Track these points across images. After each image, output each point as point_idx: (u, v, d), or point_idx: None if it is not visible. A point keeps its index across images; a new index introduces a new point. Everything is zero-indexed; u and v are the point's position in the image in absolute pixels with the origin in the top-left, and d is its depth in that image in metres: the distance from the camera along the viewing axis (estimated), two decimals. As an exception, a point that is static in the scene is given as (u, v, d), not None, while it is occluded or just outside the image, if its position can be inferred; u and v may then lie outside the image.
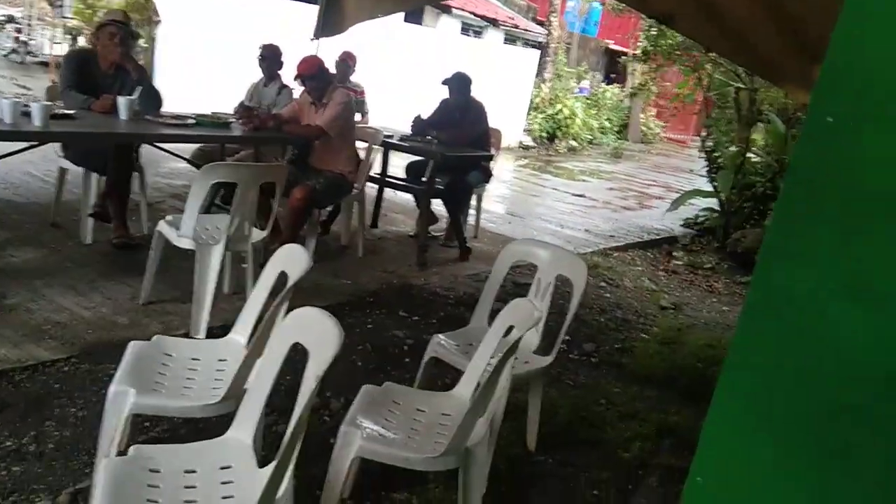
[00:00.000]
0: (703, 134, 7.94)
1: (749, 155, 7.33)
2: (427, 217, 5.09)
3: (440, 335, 2.68)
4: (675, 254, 6.76)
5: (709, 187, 7.51)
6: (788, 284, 0.90)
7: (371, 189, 5.35)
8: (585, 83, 17.04)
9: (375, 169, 5.26)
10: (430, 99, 5.64)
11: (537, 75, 14.18)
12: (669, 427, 3.08)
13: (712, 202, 7.61)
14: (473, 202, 5.67)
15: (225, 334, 2.33)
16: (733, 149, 7.51)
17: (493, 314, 2.42)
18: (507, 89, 12.39)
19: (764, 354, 0.93)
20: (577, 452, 2.82)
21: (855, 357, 0.87)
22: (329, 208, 5.11)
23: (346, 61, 5.97)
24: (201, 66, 8.31)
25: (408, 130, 5.30)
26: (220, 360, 2.17)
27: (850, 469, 0.89)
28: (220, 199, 4.36)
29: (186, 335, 3.10)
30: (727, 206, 7.25)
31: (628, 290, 5.32)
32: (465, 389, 2.27)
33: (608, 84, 18.08)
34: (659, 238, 7.35)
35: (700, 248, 7.14)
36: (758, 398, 0.93)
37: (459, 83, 5.16)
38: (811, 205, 0.88)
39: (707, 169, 7.55)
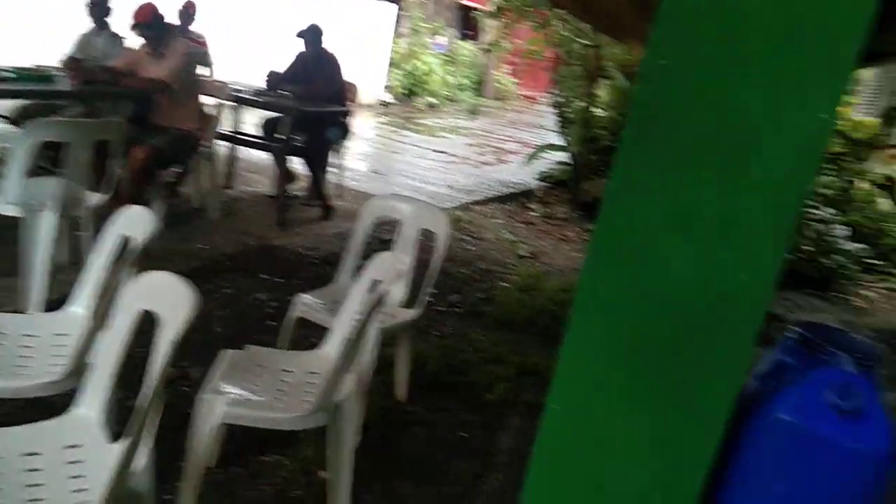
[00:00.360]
0: (554, 90, 8.26)
1: (595, 110, 7.74)
2: (285, 175, 4.92)
3: (304, 294, 2.62)
4: (531, 206, 7.07)
5: (560, 141, 7.87)
6: (628, 220, 0.97)
7: (223, 148, 5.06)
8: (442, 39, 17.06)
9: (226, 126, 4.98)
10: (282, 52, 5.40)
11: (395, 30, 13.98)
12: (530, 367, 3.26)
13: (564, 156, 7.99)
14: (335, 159, 5.55)
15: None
16: (581, 104, 7.90)
17: (359, 271, 2.40)
18: (366, 44, 12.13)
19: (608, 287, 1.00)
20: (446, 398, 2.91)
21: (684, 286, 0.96)
22: (177, 168, 4.79)
23: (188, 10, 5.54)
24: (19, 15, 7.35)
25: (259, 85, 5.05)
26: (59, 335, 1.98)
27: (684, 386, 0.99)
28: (48, 161, 3.93)
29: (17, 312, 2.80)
30: (577, 159, 7.64)
31: (489, 242, 5.50)
32: (332, 347, 2.25)
33: (463, 40, 18.22)
34: (516, 191, 7.63)
35: (553, 200, 7.50)
36: (604, 328, 1.01)
37: (314, 35, 4.98)
38: (648, 143, 0.95)
39: (558, 124, 7.89)
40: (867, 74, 11.29)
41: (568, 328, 1.03)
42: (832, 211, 6.16)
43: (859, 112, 8.90)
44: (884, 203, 7.11)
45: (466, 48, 17.46)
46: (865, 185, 7.15)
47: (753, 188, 0.89)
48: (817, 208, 6.06)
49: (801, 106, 0.86)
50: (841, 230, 6.00)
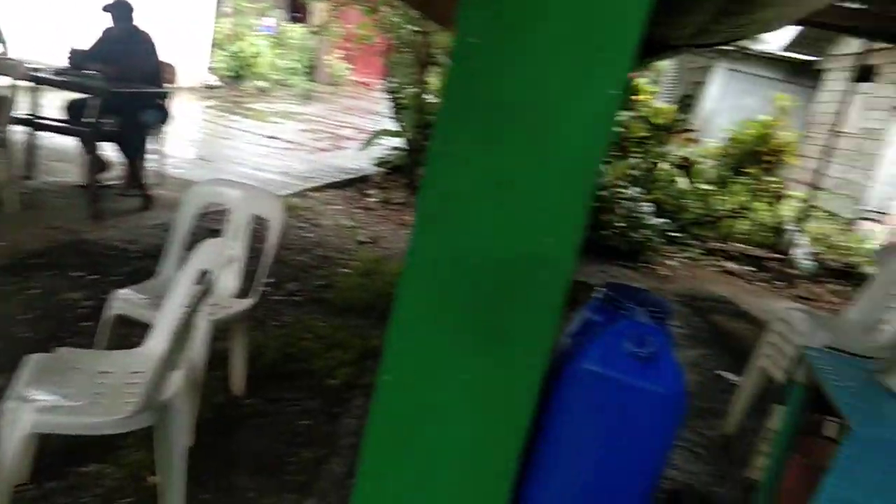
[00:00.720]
0: (387, 76, 8.29)
1: (427, 96, 7.89)
2: (96, 163, 4.50)
3: (122, 290, 2.44)
4: (368, 192, 7.08)
5: (395, 127, 7.94)
6: (446, 190, 1.01)
7: (20, 134, 4.52)
8: (270, 21, 16.42)
9: (23, 109, 4.45)
10: (87, 28, 4.90)
11: (217, 9, 13.22)
12: (371, 350, 3.28)
13: (399, 142, 8.08)
14: (153, 145, 5.16)
15: None
16: (413, 90, 8.00)
17: (184, 262, 2.27)
18: (185, 22, 11.34)
19: (431, 255, 1.04)
20: (286, 388, 2.85)
21: (498, 250, 1.02)
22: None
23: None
24: None
25: (62, 64, 4.56)
26: None
27: (501, 344, 1.06)
28: None
29: None
30: (412, 145, 7.75)
31: (328, 229, 5.43)
32: (156, 343, 2.11)
33: (293, 23, 17.67)
34: (354, 177, 7.60)
35: (391, 185, 7.57)
36: (429, 294, 1.05)
37: (123, 10, 4.58)
38: (462, 116, 0.99)
39: (392, 110, 7.94)
40: (666, 66, 12.53)
41: (396, 298, 1.06)
42: (639, 190, 6.82)
43: (660, 100, 9.90)
44: (682, 182, 8.02)
45: (296, 31, 16.95)
46: (666, 166, 8.01)
47: (553, 157, 0.98)
48: (626, 188, 6.68)
49: (590, 82, 0.94)
50: (647, 207, 6.67)
